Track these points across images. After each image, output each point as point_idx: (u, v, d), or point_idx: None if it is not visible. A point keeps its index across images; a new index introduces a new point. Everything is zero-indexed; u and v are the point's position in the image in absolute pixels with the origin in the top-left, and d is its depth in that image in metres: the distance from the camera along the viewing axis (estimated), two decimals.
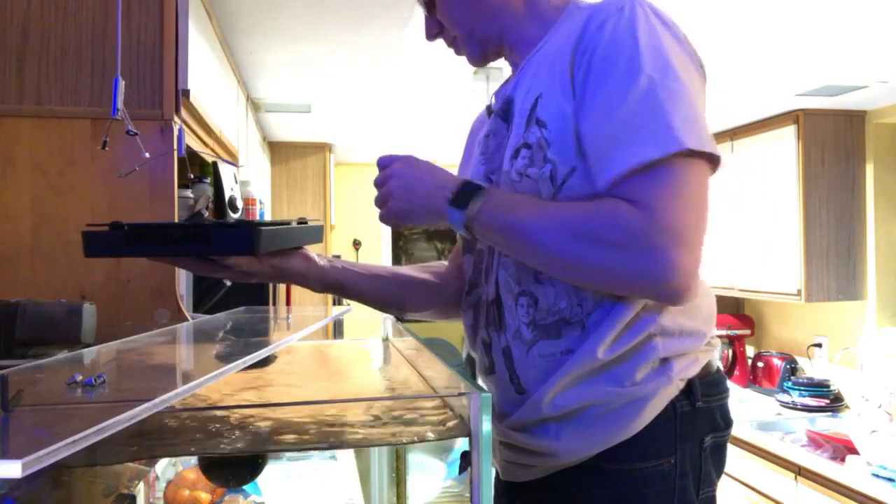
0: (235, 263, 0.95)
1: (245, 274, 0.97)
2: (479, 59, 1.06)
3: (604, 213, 0.80)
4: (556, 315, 0.90)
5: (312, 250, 1.09)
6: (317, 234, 1.10)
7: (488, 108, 1.06)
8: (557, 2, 1.00)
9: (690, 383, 0.92)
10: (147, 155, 1.35)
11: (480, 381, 1.04)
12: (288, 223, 1.01)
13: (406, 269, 1.17)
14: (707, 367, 0.96)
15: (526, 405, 0.93)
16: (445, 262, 1.19)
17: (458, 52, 1.07)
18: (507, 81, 1.06)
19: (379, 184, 0.93)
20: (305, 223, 1.07)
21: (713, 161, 0.82)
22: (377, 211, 0.95)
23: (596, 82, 0.84)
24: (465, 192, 0.87)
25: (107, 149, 1.27)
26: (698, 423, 0.93)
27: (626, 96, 0.81)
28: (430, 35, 1.06)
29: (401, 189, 0.90)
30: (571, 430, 0.91)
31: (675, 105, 0.80)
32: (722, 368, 1.00)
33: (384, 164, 0.94)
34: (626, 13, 0.84)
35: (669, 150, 0.77)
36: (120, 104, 1.27)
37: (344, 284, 1.07)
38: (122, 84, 1.27)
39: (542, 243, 0.83)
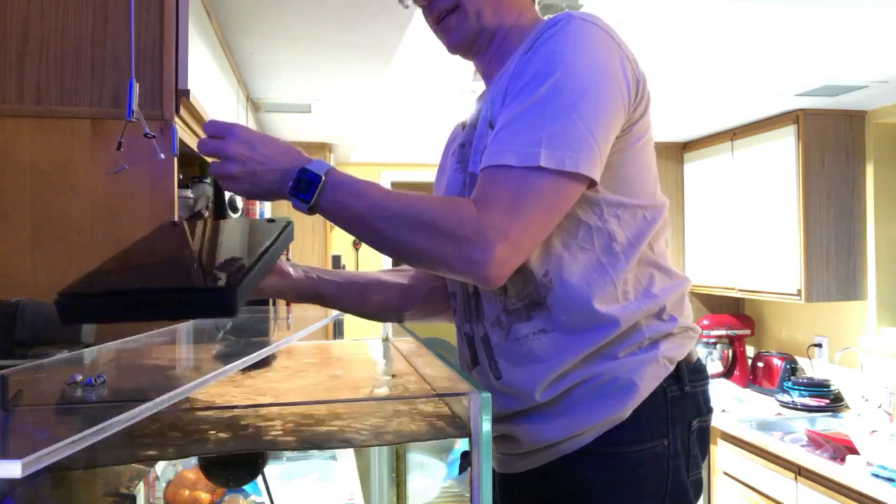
0: None
1: None
2: (461, 45, 1.04)
3: (445, 206, 0.88)
4: (526, 299, 0.96)
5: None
6: (288, 237, 1.06)
7: (462, 123, 1.10)
8: (531, 17, 1.05)
9: (679, 368, 0.98)
10: (162, 156, 1.35)
11: None
12: (265, 251, 0.95)
13: (381, 274, 1.19)
14: (690, 354, 1.01)
15: (516, 399, 0.99)
16: None
17: (443, 28, 1.04)
18: (480, 96, 1.11)
19: (211, 151, 0.90)
20: (273, 221, 1.05)
21: (577, 177, 0.86)
22: None
23: (512, 88, 0.91)
24: (304, 181, 0.87)
25: (122, 150, 1.27)
26: (687, 407, 0.99)
27: (522, 102, 0.88)
28: None
29: (243, 171, 0.88)
30: (565, 415, 0.95)
31: (555, 122, 0.85)
32: (702, 360, 1.06)
33: (220, 131, 0.90)
34: (558, 28, 0.90)
35: (524, 163, 0.85)
36: (135, 107, 1.27)
37: (322, 294, 1.09)
38: (136, 87, 1.28)
39: (380, 229, 0.87)
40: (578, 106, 0.85)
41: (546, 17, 1.02)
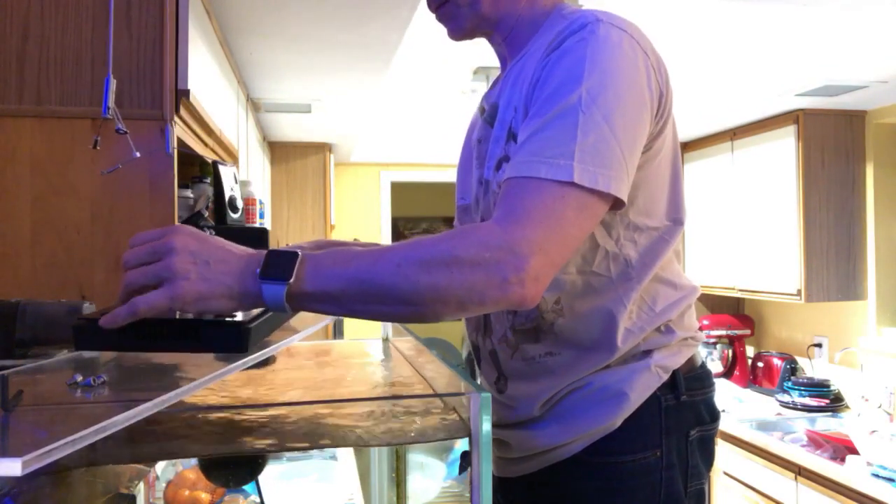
0: None
1: None
2: (464, 33, 1.02)
3: (459, 235, 0.78)
4: (535, 321, 0.95)
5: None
6: None
7: (481, 108, 1.06)
8: (547, 3, 1.00)
9: (674, 377, 0.95)
10: (137, 154, 1.34)
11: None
12: None
13: None
14: (691, 362, 0.99)
15: (515, 410, 0.98)
16: None
17: (441, 17, 1.02)
18: (495, 84, 1.06)
19: (148, 257, 0.75)
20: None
21: (607, 197, 0.81)
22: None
23: (538, 95, 0.86)
24: (277, 260, 0.74)
25: (98, 148, 1.27)
26: (683, 417, 0.96)
27: (550, 110, 0.82)
28: None
29: (193, 266, 0.73)
30: (556, 423, 0.95)
31: (587, 133, 0.80)
32: (706, 364, 1.04)
33: (153, 234, 0.76)
34: (586, 32, 0.85)
35: (557, 177, 0.78)
36: (111, 103, 1.27)
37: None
38: (113, 83, 1.28)
39: (388, 285, 0.74)
40: (610, 119, 0.81)
41: (566, 9, 0.98)
